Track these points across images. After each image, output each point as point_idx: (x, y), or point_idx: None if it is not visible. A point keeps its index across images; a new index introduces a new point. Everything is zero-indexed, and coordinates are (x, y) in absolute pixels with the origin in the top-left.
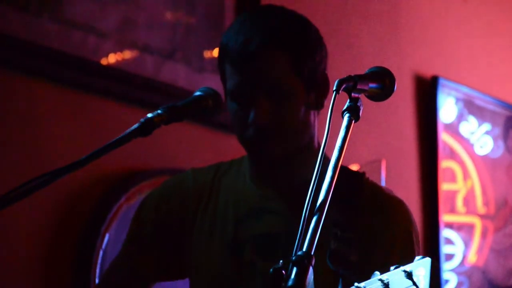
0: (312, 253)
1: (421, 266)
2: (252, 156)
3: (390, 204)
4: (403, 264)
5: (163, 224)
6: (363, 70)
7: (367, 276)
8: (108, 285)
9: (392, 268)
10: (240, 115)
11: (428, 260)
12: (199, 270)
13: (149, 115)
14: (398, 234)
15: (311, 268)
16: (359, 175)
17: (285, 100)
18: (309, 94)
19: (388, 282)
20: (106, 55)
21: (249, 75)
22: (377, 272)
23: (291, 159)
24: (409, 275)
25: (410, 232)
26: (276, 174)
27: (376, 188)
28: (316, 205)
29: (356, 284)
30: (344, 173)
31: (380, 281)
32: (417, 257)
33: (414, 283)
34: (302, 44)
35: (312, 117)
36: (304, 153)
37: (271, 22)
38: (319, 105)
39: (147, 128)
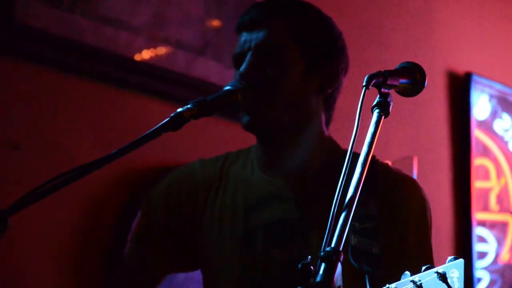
0: (341, 248)
1: (454, 268)
2: (246, 122)
3: (402, 183)
4: (420, 250)
5: (172, 216)
6: (389, 64)
7: (392, 272)
8: (121, 280)
9: (423, 268)
10: (236, 76)
11: (461, 261)
12: (211, 262)
13: (179, 109)
14: (412, 211)
15: (339, 264)
16: (372, 159)
17: (278, 65)
18: (311, 76)
19: (421, 284)
20: (139, 51)
21: (250, 35)
22: (407, 273)
23: (288, 138)
24: (442, 277)
25: (424, 208)
26: (281, 157)
27: (387, 169)
28: (344, 201)
29: (388, 285)
30: (356, 159)
31: (412, 283)
32: (449, 258)
33: (449, 286)
34: (305, 19)
35: (313, 101)
36: (306, 137)
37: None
38: (323, 92)
39: (176, 122)
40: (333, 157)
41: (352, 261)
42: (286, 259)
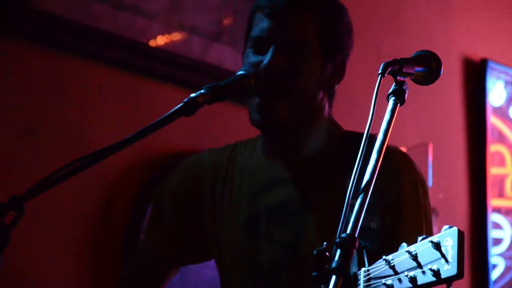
0: (356, 235)
1: (448, 236)
2: (257, 120)
3: (394, 158)
4: (414, 219)
5: (183, 203)
6: (404, 52)
7: (390, 245)
8: (133, 271)
9: (419, 239)
10: (252, 60)
11: (455, 229)
12: (221, 249)
13: (193, 94)
14: (404, 184)
15: (355, 251)
16: (372, 136)
17: (301, 60)
18: (325, 74)
19: (416, 254)
20: (154, 37)
21: (275, 23)
22: (404, 244)
23: (297, 129)
24: (436, 246)
25: (416, 182)
26: (284, 144)
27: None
28: (361, 186)
29: (384, 257)
30: (352, 138)
31: (408, 253)
32: (444, 227)
33: (443, 255)
34: (330, 14)
35: (321, 93)
36: (310, 126)
37: None
38: (329, 85)
39: (190, 107)
40: (333, 139)
41: None
42: (286, 238)
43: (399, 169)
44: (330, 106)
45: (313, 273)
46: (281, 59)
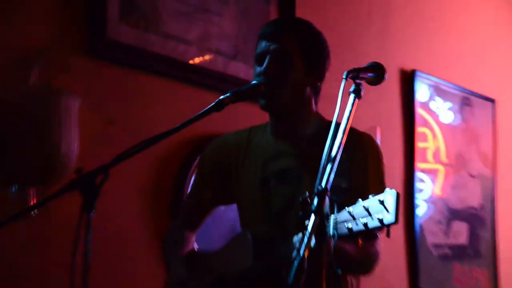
0: (328, 188)
1: (389, 196)
2: (263, 104)
3: (362, 138)
4: (373, 180)
5: (216, 169)
6: (361, 64)
7: (353, 202)
8: (184, 211)
9: (370, 196)
10: (256, 71)
11: (394, 191)
12: (241, 199)
13: (221, 97)
14: (369, 156)
15: (327, 198)
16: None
17: (286, 67)
18: (308, 74)
19: (368, 207)
20: (192, 57)
21: (268, 42)
22: (360, 199)
23: (291, 115)
24: (381, 202)
25: (377, 153)
26: (285, 127)
27: (351, 130)
28: (330, 156)
29: (346, 208)
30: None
31: (362, 207)
32: (387, 189)
33: (386, 208)
34: (307, 35)
35: (307, 91)
36: (302, 114)
37: (292, 20)
38: (314, 84)
39: (220, 106)
40: (320, 126)
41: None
42: (289, 192)
43: (365, 145)
44: (316, 102)
45: (300, 213)
46: (273, 65)
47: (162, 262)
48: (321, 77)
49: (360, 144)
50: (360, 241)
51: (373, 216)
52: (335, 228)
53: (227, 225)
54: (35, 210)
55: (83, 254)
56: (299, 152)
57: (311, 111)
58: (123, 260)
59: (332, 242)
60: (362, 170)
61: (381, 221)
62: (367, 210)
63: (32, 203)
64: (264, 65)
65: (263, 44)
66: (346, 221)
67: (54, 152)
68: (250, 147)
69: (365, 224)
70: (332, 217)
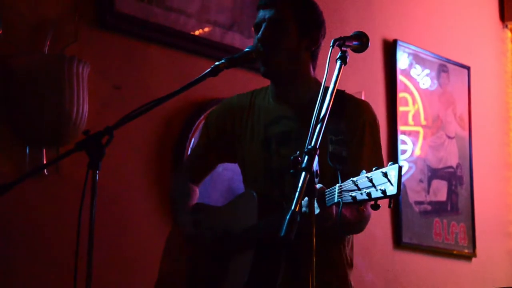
0: (317, 147)
1: (392, 169)
2: (263, 71)
3: (360, 104)
4: (372, 147)
5: (221, 128)
6: (346, 33)
7: (355, 168)
8: (189, 165)
9: (373, 169)
10: (255, 39)
11: (397, 165)
12: (245, 158)
13: (216, 63)
14: (366, 122)
15: (316, 156)
16: (341, 91)
17: (281, 32)
18: (302, 39)
19: (372, 178)
20: (192, 28)
21: (264, 12)
22: (364, 171)
23: (289, 80)
24: (385, 174)
25: (374, 119)
26: (285, 92)
27: (351, 97)
28: (319, 117)
29: (351, 178)
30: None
31: (366, 178)
32: (390, 163)
33: (389, 180)
34: (303, 5)
35: (303, 55)
36: (300, 79)
37: None
38: (309, 49)
39: (215, 71)
40: (318, 90)
41: (330, 162)
42: (289, 153)
43: (362, 112)
44: (314, 68)
45: (291, 171)
46: (268, 31)
47: (164, 218)
48: (315, 42)
49: (357, 111)
50: (361, 208)
51: (376, 187)
52: (340, 196)
53: (223, 184)
54: (47, 169)
55: (89, 210)
56: (298, 116)
57: (309, 76)
58: (127, 216)
59: (337, 208)
60: (359, 139)
61: (384, 192)
62: (371, 181)
63: (44, 163)
64: (260, 32)
65: (260, 13)
66: (350, 190)
67: (65, 115)
68: (253, 109)
69: (369, 194)
70: (337, 186)
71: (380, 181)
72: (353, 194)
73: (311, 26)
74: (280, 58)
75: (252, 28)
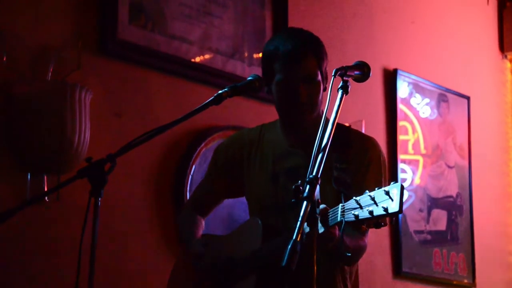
0: (319, 176)
1: (394, 188)
2: (290, 122)
3: (366, 141)
4: (376, 178)
5: (229, 162)
6: (348, 62)
7: (359, 193)
8: (195, 199)
9: (376, 188)
10: (287, 97)
11: (399, 184)
12: (252, 192)
13: (219, 91)
14: (372, 158)
15: (318, 186)
16: (346, 127)
17: (315, 86)
18: (323, 82)
19: (374, 197)
20: (194, 56)
21: (296, 70)
22: (367, 190)
23: (306, 120)
24: (387, 193)
25: (380, 157)
26: (296, 128)
27: (357, 132)
28: (321, 146)
29: (354, 197)
30: (338, 127)
31: (369, 196)
32: (392, 182)
33: (391, 198)
34: (321, 52)
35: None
36: (314, 116)
37: (305, 37)
38: (325, 89)
39: (218, 99)
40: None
41: (334, 186)
42: None
43: (369, 147)
44: (321, 104)
45: (292, 200)
46: (305, 91)
47: (164, 245)
48: (326, 85)
49: (364, 147)
50: (364, 227)
51: (378, 205)
52: (343, 215)
53: (223, 211)
54: (48, 196)
55: (91, 237)
56: (306, 151)
57: (320, 112)
58: (127, 243)
59: (338, 230)
60: (364, 170)
61: (385, 209)
62: (373, 199)
63: (45, 190)
64: (297, 94)
65: (288, 66)
66: (353, 208)
67: (67, 142)
68: (262, 143)
69: (371, 212)
70: (340, 206)
71: (383, 199)
72: (356, 213)
73: (326, 69)
74: (314, 111)
75: (254, 56)
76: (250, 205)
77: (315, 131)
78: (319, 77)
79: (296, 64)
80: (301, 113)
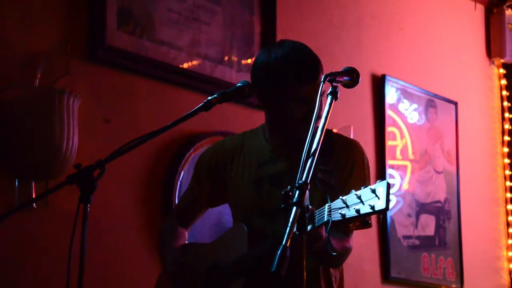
0: (308, 181)
1: (380, 186)
2: (284, 134)
3: (349, 143)
4: (361, 178)
5: (212, 170)
6: (336, 68)
7: (345, 193)
8: (178, 210)
9: (362, 187)
10: (301, 110)
11: (385, 182)
12: (236, 199)
13: (209, 98)
14: (356, 159)
15: (307, 191)
16: (328, 130)
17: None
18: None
19: (360, 195)
20: (182, 62)
21: (313, 86)
22: (353, 190)
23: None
24: (373, 191)
25: (363, 159)
26: (279, 134)
27: (339, 136)
28: (310, 152)
29: (340, 197)
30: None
31: (355, 195)
32: (378, 180)
33: (377, 196)
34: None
35: None
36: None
37: (310, 54)
38: None
39: (207, 106)
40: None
41: (319, 187)
42: (280, 195)
43: (352, 149)
44: None
45: (282, 205)
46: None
47: (153, 252)
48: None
49: (347, 149)
50: (351, 226)
51: (365, 203)
52: (329, 215)
53: (212, 218)
54: (36, 203)
55: (80, 243)
56: (291, 157)
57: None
58: (116, 250)
59: (325, 230)
60: (348, 171)
61: (372, 207)
62: (359, 198)
63: (33, 196)
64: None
65: (306, 88)
66: (339, 208)
67: (55, 148)
68: (245, 149)
69: (358, 211)
70: (327, 206)
71: (369, 197)
72: (343, 212)
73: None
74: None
75: (242, 62)
76: (234, 212)
77: (299, 137)
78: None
79: (315, 81)
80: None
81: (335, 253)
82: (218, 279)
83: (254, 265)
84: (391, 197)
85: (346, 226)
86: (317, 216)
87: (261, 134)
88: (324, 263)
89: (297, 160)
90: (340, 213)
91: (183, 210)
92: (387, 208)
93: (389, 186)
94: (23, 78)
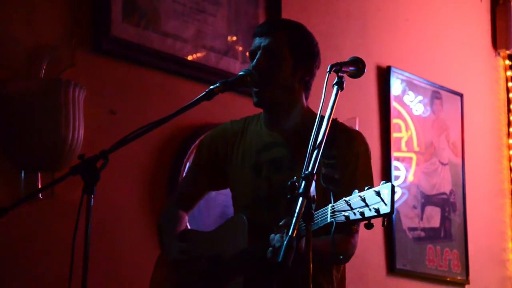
0: (314, 172)
1: (385, 188)
2: (255, 102)
3: (353, 135)
4: (366, 173)
5: (213, 154)
6: (341, 60)
7: (347, 190)
8: (179, 193)
9: (366, 188)
10: (250, 65)
11: (389, 184)
12: (236, 183)
13: (211, 87)
14: (359, 152)
15: (313, 181)
16: (333, 120)
17: (276, 62)
18: (296, 70)
19: (364, 197)
20: (187, 54)
21: (259, 40)
22: (356, 190)
23: (282, 109)
24: (378, 193)
25: (367, 150)
26: (278, 120)
27: (344, 127)
28: (316, 143)
29: (344, 198)
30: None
31: (359, 197)
32: (382, 182)
33: (382, 199)
34: (299, 36)
35: (297, 86)
36: (293, 108)
37: (284, 20)
38: (303, 80)
39: (210, 95)
40: (310, 119)
41: (322, 183)
42: (279, 181)
43: (355, 141)
44: (307, 97)
45: (288, 196)
46: (263, 59)
47: (158, 242)
48: (310, 73)
49: (350, 141)
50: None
51: (370, 207)
52: (333, 215)
53: (217, 209)
54: (42, 193)
55: (84, 233)
56: (290, 143)
57: (302, 105)
58: (121, 241)
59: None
60: (353, 168)
61: (377, 211)
62: (363, 200)
63: (39, 187)
64: (255, 60)
65: (256, 41)
66: (343, 210)
67: (61, 139)
68: (245, 135)
69: (362, 213)
70: (329, 206)
71: (373, 200)
72: (347, 214)
73: (306, 57)
74: (273, 88)
75: (247, 54)
76: (234, 197)
77: (301, 124)
78: (286, 55)
79: (262, 35)
80: (258, 84)
81: (341, 256)
82: (219, 272)
83: (255, 259)
84: (396, 189)
85: (349, 226)
86: (320, 216)
87: (262, 119)
88: (329, 264)
89: (293, 146)
90: (344, 215)
91: (184, 192)
92: (392, 212)
93: (393, 188)
94: (29, 70)
